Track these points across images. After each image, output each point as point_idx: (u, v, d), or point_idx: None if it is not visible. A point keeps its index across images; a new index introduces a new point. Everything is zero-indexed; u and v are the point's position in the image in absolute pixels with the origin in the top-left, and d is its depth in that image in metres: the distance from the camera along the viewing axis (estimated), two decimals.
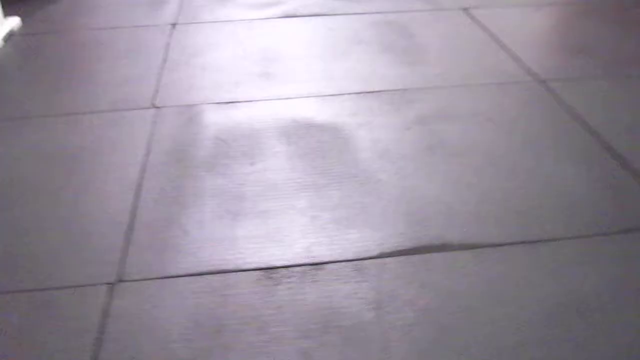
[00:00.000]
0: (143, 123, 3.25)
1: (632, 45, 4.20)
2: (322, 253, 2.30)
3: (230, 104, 3.40)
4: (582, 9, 4.87)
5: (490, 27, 4.41)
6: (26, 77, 3.93)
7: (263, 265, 2.25)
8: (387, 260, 2.26)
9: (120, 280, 2.20)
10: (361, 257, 2.28)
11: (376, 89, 3.53)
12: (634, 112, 3.32)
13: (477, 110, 3.34)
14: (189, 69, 3.84)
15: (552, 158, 2.90)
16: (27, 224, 2.51)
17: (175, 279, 2.20)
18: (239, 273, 2.21)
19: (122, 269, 2.25)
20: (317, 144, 3.01)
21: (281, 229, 2.43)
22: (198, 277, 2.20)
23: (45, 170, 2.89)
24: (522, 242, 2.35)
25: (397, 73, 3.75)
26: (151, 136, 3.12)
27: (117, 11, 4.95)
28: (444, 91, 3.54)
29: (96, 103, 3.50)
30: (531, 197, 2.62)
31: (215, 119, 3.26)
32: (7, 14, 4.56)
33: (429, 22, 4.53)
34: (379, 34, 4.36)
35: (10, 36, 4.48)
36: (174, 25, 4.55)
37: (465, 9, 4.73)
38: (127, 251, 2.33)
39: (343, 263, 2.25)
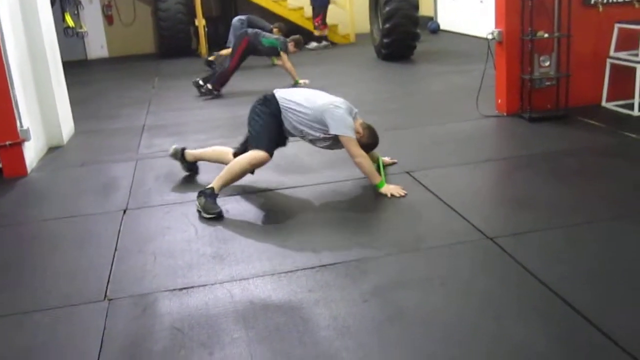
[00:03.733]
0: (95, 318, 3.16)
1: (569, 194, 4.39)
2: None
3: (185, 290, 3.35)
4: (517, 163, 5.11)
5: (434, 188, 4.57)
6: None
7: None
8: None
9: None
10: None
11: (331, 262, 3.55)
12: (585, 263, 3.40)
13: (431, 275, 3.37)
14: (141, 256, 3.81)
15: (513, 318, 2.91)
16: None
17: None
18: None
19: None
20: (275, 325, 2.96)
21: None
22: None
23: None
24: None
25: (350, 243, 3.79)
26: (104, 332, 3.02)
27: (67, 200, 4.97)
28: (397, 258, 3.58)
29: (45, 299, 3.40)
30: None
31: (169, 307, 3.20)
32: None
33: (374, 188, 4.67)
34: (327, 204, 4.46)
35: None
36: (124, 211, 4.57)
37: (408, 172, 4.91)
38: None
39: None
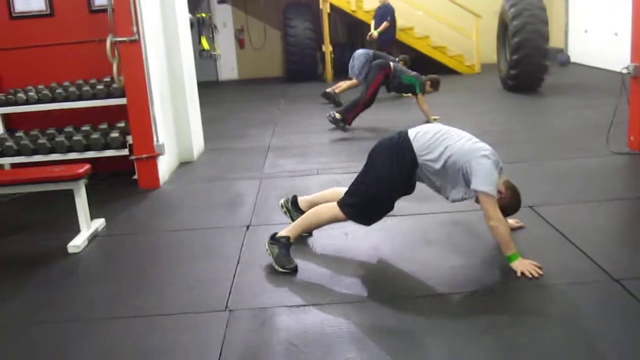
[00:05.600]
0: (216, 327, 3.31)
1: None
2: None
3: (302, 307, 3.45)
4: None
5: (557, 224, 4.44)
6: (106, 277, 4.13)
7: None
8: None
9: None
10: None
11: (445, 292, 3.54)
12: None
13: (550, 313, 3.28)
14: (261, 271, 3.96)
15: None
16: None
17: None
18: None
19: None
20: (388, 350, 2.98)
21: None
22: None
23: None
24: None
25: (467, 274, 3.76)
26: (224, 340, 3.16)
27: (195, 213, 5.24)
28: (516, 293, 3.51)
29: (171, 305, 3.61)
30: None
31: (287, 322, 3.30)
32: (93, 215, 4.88)
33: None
34: (447, 234, 4.43)
35: (94, 237, 4.76)
36: (247, 227, 4.76)
37: (532, 207, 4.80)
38: None
39: None
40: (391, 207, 4.04)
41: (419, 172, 3.90)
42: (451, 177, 3.82)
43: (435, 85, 8.39)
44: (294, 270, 3.90)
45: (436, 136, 3.88)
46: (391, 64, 8.42)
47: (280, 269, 3.90)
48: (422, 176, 3.93)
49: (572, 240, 4.16)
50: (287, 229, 4.07)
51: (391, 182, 3.91)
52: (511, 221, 4.23)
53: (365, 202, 3.96)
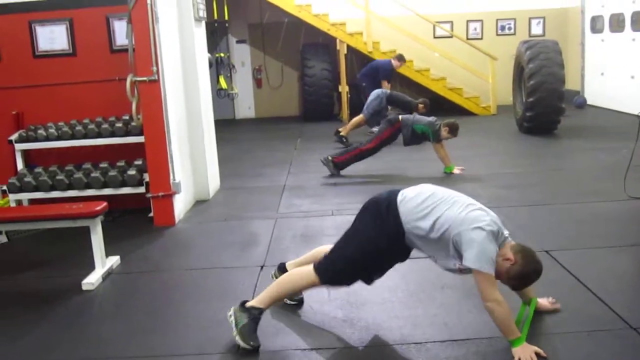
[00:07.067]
0: None
1: None
2: None
3: (314, 351, 3.43)
4: None
5: (573, 269, 4.40)
6: (119, 316, 4.13)
7: None
8: None
9: None
10: None
11: (462, 337, 3.50)
12: None
13: None
14: (274, 312, 3.92)
15: None
16: None
17: None
18: None
19: None
20: None
21: None
22: None
23: None
24: None
25: (483, 320, 3.71)
26: None
27: (209, 252, 5.25)
28: (532, 340, 3.44)
29: (184, 345, 3.61)
30: None
31: None
32: (108, 252, 4.90)
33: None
34: (461, 277, 4.38)
35: (109, 274, 4.78)
36: (261, 267, 4.76)
37: (547, 251, 4.76)
38: None
39: None
40: (368, 274, 3.65)
41: (406, 239, 3.49)
42: (442, 247, 3.40)
43: (453, 132, 7.91)
44: (255, 348, 3.44)
45: (427, 201, 3.46)
46: (400, 117, 8.05)
47: (241, 342, 3.44)
48: (409, 242, 3.52)
49: (589, 286, 4.12)
50: (258, 298, 3.63)
51: (372, 248, 3.53)
52: (544, 301, 3.80)
53: (342, 267, 3.57)
